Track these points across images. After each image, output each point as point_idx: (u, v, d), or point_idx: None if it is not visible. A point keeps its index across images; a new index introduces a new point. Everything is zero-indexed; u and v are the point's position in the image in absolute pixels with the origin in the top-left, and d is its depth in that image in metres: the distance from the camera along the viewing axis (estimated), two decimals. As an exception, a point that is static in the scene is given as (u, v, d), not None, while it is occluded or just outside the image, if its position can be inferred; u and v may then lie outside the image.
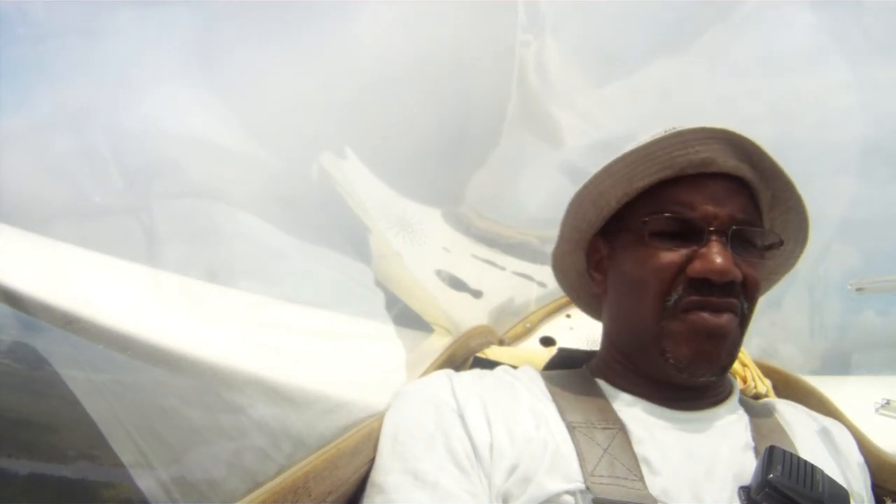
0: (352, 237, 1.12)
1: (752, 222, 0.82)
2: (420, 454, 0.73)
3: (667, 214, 0.81)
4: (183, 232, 0.82)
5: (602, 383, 0.85)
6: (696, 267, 0.78)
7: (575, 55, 1.43)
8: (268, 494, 0.65)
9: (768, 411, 0.90)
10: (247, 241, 0.90)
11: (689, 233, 0.80)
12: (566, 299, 1.50)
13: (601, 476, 0.71)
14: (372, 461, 0.78)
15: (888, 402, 1.14)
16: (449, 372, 0.86)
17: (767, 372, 1.24)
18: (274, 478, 0.68)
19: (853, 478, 0.84)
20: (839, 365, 1.63)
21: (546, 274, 1.50)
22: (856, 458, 0.88)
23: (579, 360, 0.96)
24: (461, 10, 1.21)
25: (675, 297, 0.79)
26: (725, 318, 0.78)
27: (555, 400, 0.81)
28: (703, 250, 0.78)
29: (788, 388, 1.22)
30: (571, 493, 0.69)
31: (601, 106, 1.53)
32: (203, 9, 0.93)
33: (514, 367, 0.91)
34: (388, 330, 1.04)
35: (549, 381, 0.85)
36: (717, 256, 0.77)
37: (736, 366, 1.19)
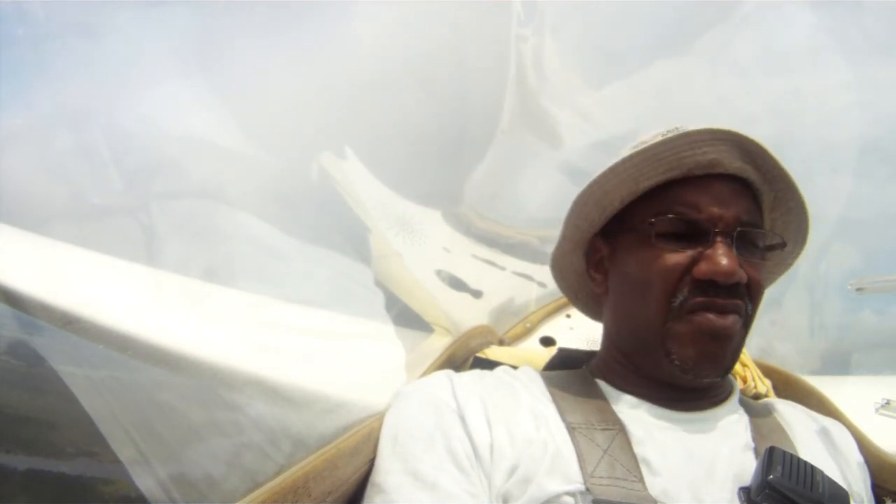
0: (352, 237, 1.12)
1: (756, 224, 0.82)
2: (420, 454, 0.73)
3: (671, 215, 0.81)
4: (183, 232, 0.82)
5: (602, 384, 0.85)
6: (703, 268, 0.77)
7: (574, 55, 1.43)
8: (268, 494, 0.65)
9: (768, 411, 0.90)
10: (247, 241, 0.90)
11: (695, 234, 0.79)
12: (566, 299, 1.51)
13: (601, 477, 0.71)
14: (372, 461, 0.78)
15: (888, 402, 1.14)
16: (449, 372, 0.86)
17: (767, 372, 1.24)
18: (274, 478, 0.68)
19: (853, 478, 0.84)
20: (839, 365, 1.63)
21: (546, 274, 1.49)
22: (856, 458, 0.88)
23: (579, 360, 0.96)
24: (461, 8, 1.21)
25: (680, 298, 0.79)
26: (731, 320, 0.78)
27: (555, 401, 0.81)
28: (709, 252, 0.78)
29: (788, 388, 1.22)
30: (571, 493, 0.69)
31: (601, 105, 1.53)
32: (202, 8, 0.93)
33: (514, 368, 0.91)
34: (388, 330, 1.04)
35: (549, 382, 0.85)
36: (723, 258, 0.77)
37: (736, 366, 1.19)
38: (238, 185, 0.90)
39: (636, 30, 1.55)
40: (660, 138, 0.81)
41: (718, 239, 0.78)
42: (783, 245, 0.86)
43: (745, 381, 1.17)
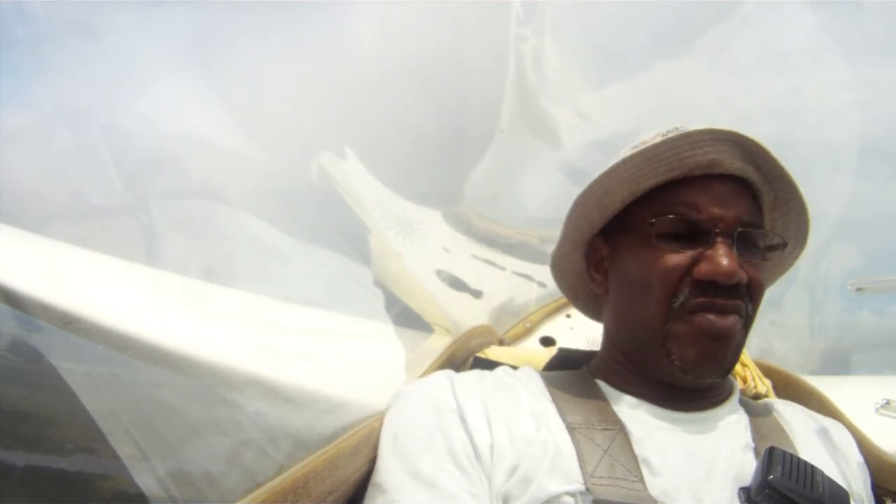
0: (352, 237, 1.12)
1: (757, 224, 0.82)
2: (420, 454, 0.73)
3: (672, 216, 0.81)
4: (182, 231, 0.82)
5: (602, 384, 0.85)
6: (703, 269, 0.77)
7: (574, 55, 1.43)
8: (268, 494, 0.65)
9: (768, 412, 0.90)
10: (247, 241, 0.90)
11: (696, 234, 0.79)
12: (566, 299, 1.51)
13: (601, 477, 0.71)
14: (372, 461, 0.78)
15: (888, 402, 1.14)
16: (449, 372, 0.86)
17: (767, 372, 1.24)
18: (274, 478, 0.68)
19: (853, 478, 0.84)
20: (839, 365, 1.63)
21: (546, 274, 1.49)
22: (856, 457, 0.88)
23: (579, 360, 0.96)
24: (460, 8, 1.21)
25: (681, 298, 0.79)
26: (731, 320, 0.78)
27: (555, 401, 0.81)
28: (710, 252, 0.78)
29: (788, 388, 1.22)
30: (571, 494, 0.69)
31: (600, 105, 1.53)
32: (201, 8, 0.93)
33: (514, 368, 0.91)
34: (388, 330, 1.04)
35: (549, 382, 0.85)
36: (723, 258, 0.76)
37: (736, 366, 1.19)
38: (238, 184, 0.90)
39: (636, 30, 1.55)
40: (660, 139, 0.81)
41: (719, 239, 0.78)
42: (783, 245, 0.86)
43: (745, 381, 1.17)
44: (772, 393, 1.19)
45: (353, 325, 1.00)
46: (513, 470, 0.72)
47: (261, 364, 0.73)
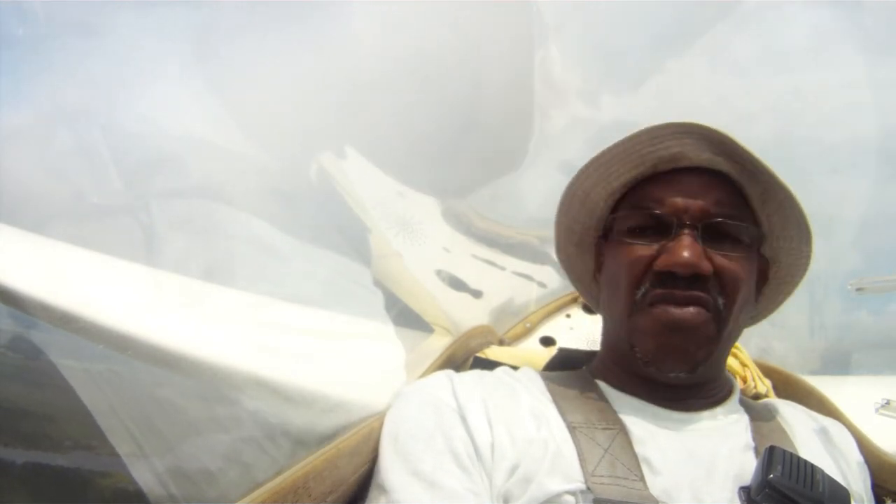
0: (352, 237, 1.12)
1: (730, 216, 0.80)
2: (421, 454, 0.73)
3: (637, 211, 0.83)
4: (182, 231, 0.82)
5: (602, 384, 0.85)
6: (662, 260, 0.78)
7: (574, 55, 1.43)
8: (268, 494, 0.65)
9: (768, 411, 0.90)
10: (247, 241, 0.90)
11: (661, 228, 0.80)
12: (566, 299, 1.51)
13: (602, 476, 0.71)
14: (372, 461, 0.78)
15: (888, 402, 1.14)
16: (449, 372, 0.86)
17: (767, 372, 1.24)
18: (274, 478, 0.68)
19: (853, 478, 0.84)
20: (839, 365, 1.63)
21: (546, 274, 1.50)
22: (856, 457, 0.88)
23: (579, 360, 0.96)
24: (461, 8, 1.21)
25: (642, 291, 0.80)
26: (691, 312, 0.77)
27: (555, 401, 0.81)
28: (672, 244, 0.78)
29: (788, 388, 1.22)
30: (572, 493, 0.69)
31: (600, 105, 1.52)
32: (201, 7, 0.93)
33: (514, 368, 0.91)
34: (388, 330, 1.04)
35: (549, 383, 0.86)
36: (683, 249, 0.76)
37: (736, 366, 1.20)
38: (238, 184, 0.90)
39: (636, 30, 1.55)
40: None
41: (682, 231, 0.78)
42: (759, 237, 0.83)
43: (745, 381, 1.17)
44: (772, 393, 1.19)
45: (353, 325, 1.00)
46: (513, 469, 0.72)
47: (261, 364, 0.73)
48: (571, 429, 0.76)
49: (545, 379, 0.87)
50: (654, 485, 0.71)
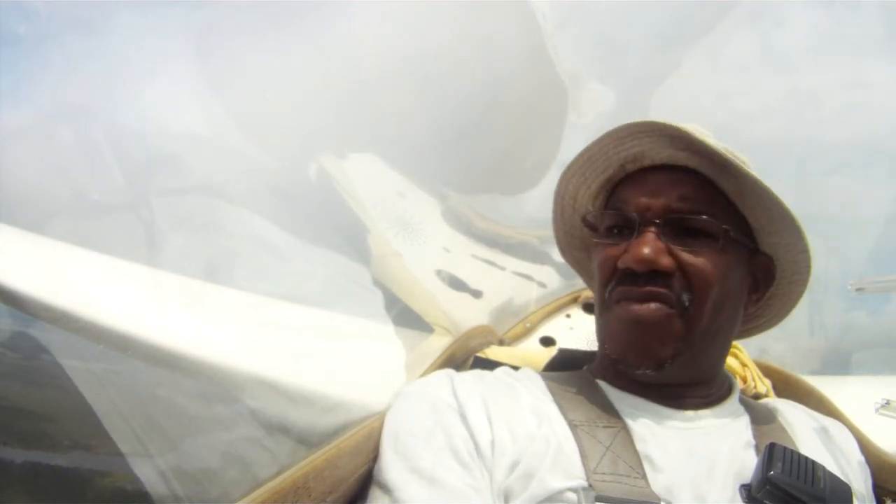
0: (352, 237, 1.12)
1: (695, 211, 0.79)
2: (422, 452, 0.73)
3: (605, 212, 0.85)
4: (182, 231, 0.82)
5: (603, 384, 0.85)
6: (622, 258, 0.79)
7: (573, 55, 1.43)
8: (268, 494, 0.65)
9: (768, 411, 0.90)
10: (247, 241, 0.90)
11: (627, 227, 0.81)
12: (566, 299, 1.51)
13: (604, 473, 0.71)
14: (372, 461, 0.78)
15: (888, 402, 1.14)
16: (449, 371, 0.86)
17: (767, 372, 1.24)
18: (274, 477, 0.68)
19: (854, 477, 0.84)
20: (839, 365, 1.63)
21: (546, 274, 1.50)
22: (856, 457, 0.88)
23: (580, 361, 0.96)
24: (462, 6, 1.21)
25: (609, 289, 0.81)
26: (650, 308, 0.77)
27: (556, 400, 0.81)
28: (633, 241, 0.79)
29: (788, 388, 1.22)
30: (574, 490, 0.69)
31: (599, 105, 1.53)
32: (201, 6, 0.93)
33: (515, 368, 0.91)
34: (388, 330, 1.04)
35: (550, 383, 0.86)
36: (640, 246, 0.77)
37: (736, 366, 1.20)
38: (238, 183, 0.90)
39: (635, 30, 1.55)
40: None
41: (644, 229, 0.78)
42: (723, 230, 0.79)
43: (745, 381, 1.17)
44: (772, 393, 1.19)
45: (353, 325, 1.00)
46: (514, 465, 0.71)
47: (261, 364, 0.73)
48: (573, 426, 0.76)
49: (546, 379, 0.87)
50: (656, 482, 0.71)
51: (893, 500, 1.01)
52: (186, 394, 0.68)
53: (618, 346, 0.80)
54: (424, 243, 1.25)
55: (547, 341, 1.40)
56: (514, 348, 1.33)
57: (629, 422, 0.78)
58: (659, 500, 0.69)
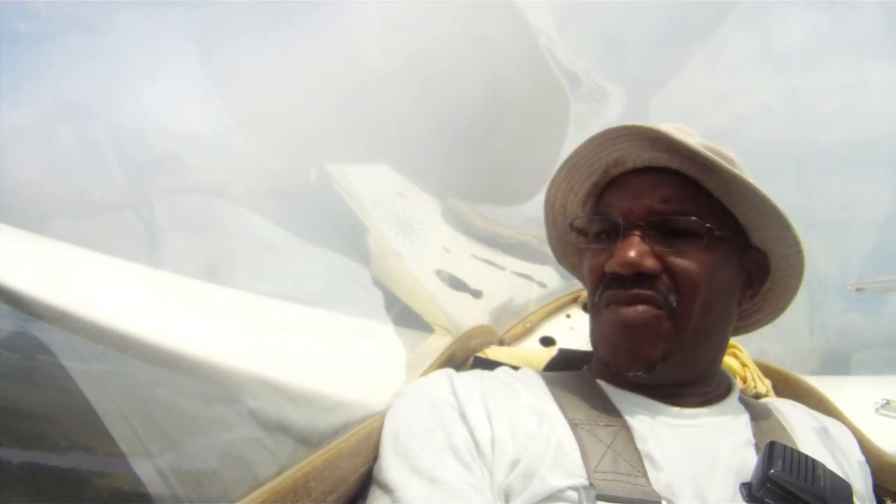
0: (352, 237, 1.12)
1: (679, 211, 0.79)
2: (422, 452, 0.73)
3: (592, 218, 0.86)
4: (182, 231, 0.82)
5: (603, 384, 0.85)
6: (608, 263, 0.80)
7: (572, 55, 1.43)
8: (268, 494, 0.65)
9: (768, 410, 0.90)
10: (247, 240, 0.90)
11: (613, 231, 0.82)
12: (566, 299, 1.51)
13: (604, 472, 0.71)
14: (372, 461, 0.78)
15: (888, 402, 1.14)
16: (449, 371, 0.86)
17: (767, 372, 1.24)
18: (274, 477, 0.67)
19: (854, 477, 0.84)
20: (839, 365, 1.63)
21: (546, 274, 1.50)
22: (857, 457, 0.88)
23: (580, 361, 0.96)
24: (463, 6, 1.21)
25: (598, 294, 0.82)
26: (638, 310, 0.78)
27: (556, 399, 0.81)
28: (618, 246, 0.79)
29: (788, 388, 1.22)
30: (575, 488, 0.69)
31: (597, 105, 1.53)
32: (202, 6, 0.93)
33: (515, 368, 0.91)
34: (388, 330, 1.04)
35: (550, 382, 0.86)
36: (625, 250, 0.78)
37: (736, 366, 1.20)
38: (239, 183, 0.90)
39: (634, 31, 1.56)
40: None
41: (628, 232, 0.79)
42: (706, 229, 0.78)
43: (745, 381, 1.17)
44: (772, 393, 1.19)
45: (353, 324, 1.00)
46: (514, 464, 0.71)
47: (261, 363, 0.73)
48: (573, 425, 0.76)
49: (545, 379, 0.87)
50: (657, 480, 0.71)
51: (893, 500, 1.01)
52: (186, 394, 0.68)
53: (608, 349, 0.81)
54: (424, 243, 1.25)
55: (547, 341, 1.40)
56: (514, 348, 1.33)
57: (629, 420, 0.78)
58: (660, 498, 0.69)
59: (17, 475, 0.74)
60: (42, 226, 0.70)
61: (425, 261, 1.27)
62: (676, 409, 0.81)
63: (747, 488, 0.71)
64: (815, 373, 1.43)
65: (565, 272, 1.04)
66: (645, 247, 0.78)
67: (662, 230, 0.79)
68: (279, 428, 0.72)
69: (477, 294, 1.34)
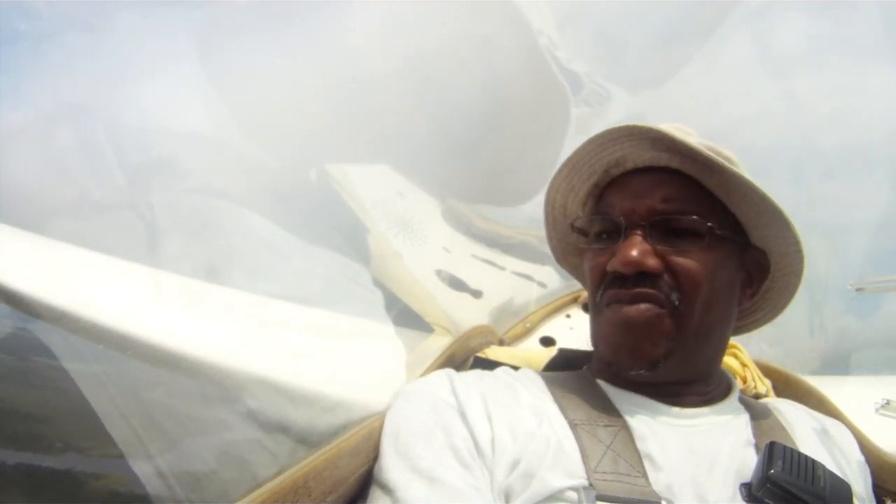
0: (352, 237, 1.12)
1: (680, 211, 0.79)
2: (422, 452, 0.73)
3: (593, 218, 0.86)
4: (182, 230, 0.82)
5: (603, 383, 0.85)
6: (610, 262, 0.80)
7: (574, 54, 1.43)
8: (268, 494, 0.65)
9: (768, 410, 0.90)
10: (247, 240, 0.90)
11: (614, 231, 0.82)
12: (566, 299, 1.51)
13: (604, 472, 0.71)
14: (372, 461, 0.78)
15: (888, 402, 1.14)
16: (449, 371, 0.86)
17: (767, 372, 1.24)
18: (274, 477, 0.67)
19: (854, 477, 0.84)
20: (839, 365, 1.63)
21: (546, 274, 1.50)
22: (856, 457, 0.88)
23: (580, 360, 0.96)
24: (464, 6, 1.21)
25: (600, 293, 0.82)
26: (640, 308, 0.78)
27: (556, 400, 0.81)
28: (620, 245, 0.79)
29: (788, 388, 1.22)
30: (575, 489, 0.69)
31: (596, 106, 1.53)
32: (202, 6, 0.93)
33: (515, 368, 0.91)
34: (388, 330, 1.04)
35: (550, 383, 0.86)
36: (627, 249, 0.78)
37: (736, 366, 1.20)
38: (239, 183, 0.90)
39: (632, 34, 1.56)
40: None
41: (630, 232, 0.79)
42: (708, 228, 0.78)
43: (745, 381, 1.17)
44: (772, 393, 1.19)
45: (353, 324, 1.00)
46: (514, 464, 0.71)
47: (261, 363, 0.73)
48: (573, 426, 0.76)
49: (545, 379, 0.87)
50: (657, 481, 0.71)
51: (893, 500, 1.01)
52: (186, 394, 0.68)
53: (610, 349, 0.81)
54: (424, 243, 1.25)
55: (547, 341, 1.40)
56: (514, 348, 1.33)
57: (629, 420, 0.78)
58: (659, 498, 0.69)
59: (12, 477, 0.74)
60: (42, 226, 0.70)
61: (425, 261, 1.27)
62: (677, 409, 0.81)
63: (747, 488, 0.71)
64: (815, 373, 1.43)
65: (565, 272, 1.04)
66: (647, 246, 0.78)
67: (664, 230, 0.79)
68: (279, 428, 0.72)
69: (477, 294, 1.34)
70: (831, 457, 0.84)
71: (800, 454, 0.71)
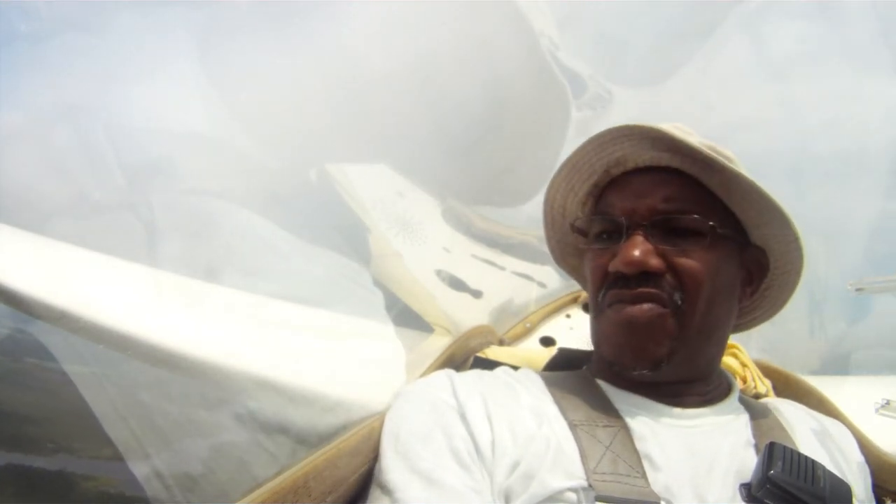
0: (351, 237, 1.12)
1: (681, 210, 0.79)
2: (422, 452, 0.73)
3: (593, 217, 0.86)
4: (182, 231, 0.82)
5: (602, 383, 0.85)
6: (612, 262, 0.80)
7: (574, 55, 1.43)
8: (268, 494, 0.65)
9: (768, 410, 0.89)
10: (247, 241, 0.90)
11: (615, 231, 0.82)
12: (566, 299, 1.51)
13: (604, 473, 0.71)
14: (372, 461, 0.78)
15: (888, 402, 1.14)
16: (449, 372, 0.86)
17: (767, 372, 1.24)
18: (274, 478, 0.67)
19: (853, 478, 0.84)
20: (839, 365, 1.63)
21: (546, 274, 1.50)
22: (856, 457, 0.88)
23: (579, 360, 0.96)
24: (464, 6, 1.21)
25: (601, 294, 0.82)
26: (643, 308, 0.78)
27: (556, 400, 0.81)
28: (622, 245, 0.79)
29: (788, 388, 1.22)
30: (574, 490, 0.69)
31: (596, 107, 1.53)
32: (202, 6, 0.93)
33: (514, 368, 0.91)
34: (388, 330, 1.04)
35: (549, 383, 0.86)
36: (629, 249, 0.78)
37: (736, 366, 1.20)
38: (239, 184, 0.90)
39: (630, 36, 1.56)
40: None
41: (632, 232, 0.79)
42: (709, 227, 0.78)
43: (744, 381, 1.17)
44: (772, 393, 1.18)
45: (353, 324, 1.00)
46: (514, 466, 0.71)
47: (261, 363, 0.73)
48: (573, 426, 0.76)
49: (545, 379, 0.87)
50: (656, 481, 0.71)
51: (893, 500, 1.01)
52: (186, 394, 0.68)
53: (613, 349, 0.81)
54: (424, 243, 1.25)
55: (547, 341, 1.40)
56: (514, 348, 1.33)
57: (629, 421, 0.78)
58: (658, 499, 0.69)
59: (1, 478, 0.74)
60: (42, 226, 0.70)
61: (425, 261, 1.27)
62: (678, 410, 0.80)
63: (747, 489, 0.71)
64: (815, 373, 1.43)
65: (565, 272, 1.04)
66: (649, 246, 0.78)
67: (665, 229, 0.79)
68: (279, 428, 0.72)
69: (477, 294, 1.34)
70: (831, 457, 0.83)
71: (800, 454, 0.71)
